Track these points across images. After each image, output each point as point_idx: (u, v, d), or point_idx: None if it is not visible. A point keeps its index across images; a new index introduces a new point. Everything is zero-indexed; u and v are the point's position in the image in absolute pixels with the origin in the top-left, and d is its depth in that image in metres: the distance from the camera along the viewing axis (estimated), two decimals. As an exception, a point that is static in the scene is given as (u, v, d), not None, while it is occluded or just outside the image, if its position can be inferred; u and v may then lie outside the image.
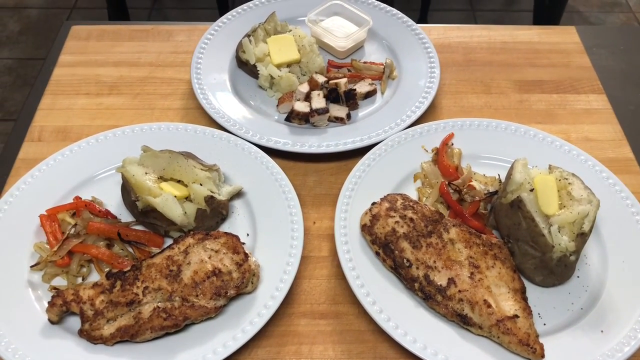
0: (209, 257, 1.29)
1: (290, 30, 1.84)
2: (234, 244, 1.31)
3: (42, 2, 5.60)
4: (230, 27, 1.91)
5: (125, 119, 1.71)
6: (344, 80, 1.72)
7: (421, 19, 4.65)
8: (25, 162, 1.60)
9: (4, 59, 5.26)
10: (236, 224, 1.45)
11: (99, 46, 1.93)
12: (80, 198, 1.46)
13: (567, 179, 1.37)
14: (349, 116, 1.68)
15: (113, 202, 1.49)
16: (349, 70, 1.83)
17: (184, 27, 2.00)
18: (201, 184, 1.41)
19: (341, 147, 1.58)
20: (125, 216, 1.46)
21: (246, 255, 1.30)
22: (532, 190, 1.34)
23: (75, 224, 1.40)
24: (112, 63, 1.87)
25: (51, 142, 1.65)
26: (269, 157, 1.54)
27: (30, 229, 1.41)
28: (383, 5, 1.98)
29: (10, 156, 1.63)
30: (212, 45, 1.85)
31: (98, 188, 1.51)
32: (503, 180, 1.49)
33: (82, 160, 1.54)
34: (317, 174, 1.60)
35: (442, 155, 1.55)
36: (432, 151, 1.58)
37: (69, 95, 1.78)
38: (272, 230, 1.41)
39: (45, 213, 1.43)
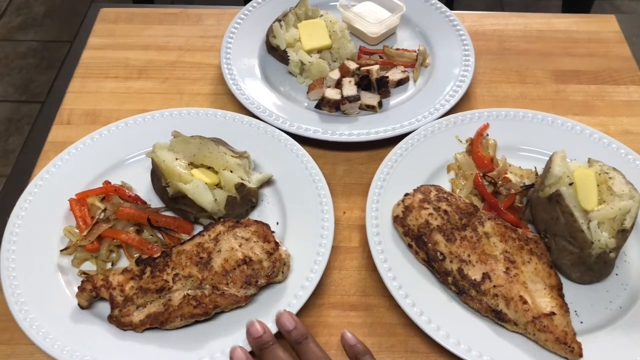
0: (240, 245, 1.27)
1: (322, 15, 1.80)
2: (265, 232, 1.29)
3: (67, -17, 5.54)
4: (260, 11, 1.88)
5: (154, 103, 1.70)
6: (376, 67, 1.68)
7: (447, 4, 4.57)
8: (54, 145, 1.60)
9: (29, 41, 5.29)
10: (266, 212, 1.43)
11: (127, 29, 1.91)
12: (110, 182, 1.45)
13: (607, 173, 1.33)
14: (380, 104, 1.65)
15: (142, 187, 1.48)
16: (380, 57, 1.79)
17: (213, 10, 1.97)
18: (231, 171, 1.39)
19: (372, 136, 1.55)
20: (154, 202, 1.45)
21: (277, 244, 1.28)
22: (571, 184, 1.30)
23: (105, 209, 1.39)
24: (141, 47, 1.86)
25: (80, 125, 1.65)
26: (299, 145, 1.52)
27: (59, 213, 1.40)
28: (416, -9, 1.93)
29: (39, 139, 1.62)
30: (241, 30, 1.82)
31: (127, 173, 1.50)
32: (540, 173, 1.45)
33: (111, 144, 1.53)
34: (347, 163, 1.57)
35: (476, 146, 1.51)
36: (466, 142, 1.55)
37: (98, 78, 1.77)
38: (302, 220, 1.39)
39: (75, 197, 1.42)
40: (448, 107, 1.61)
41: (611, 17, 1.96)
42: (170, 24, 1.93)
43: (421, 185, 1.41)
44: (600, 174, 1.32)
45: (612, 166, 1.36)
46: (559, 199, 1.28)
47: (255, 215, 1.43)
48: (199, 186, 1.34)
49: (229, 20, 1.87)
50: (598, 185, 1.31)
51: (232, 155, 1.41)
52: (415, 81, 1.73)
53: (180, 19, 1.95)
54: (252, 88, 1.68)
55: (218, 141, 1.45)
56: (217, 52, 1.79)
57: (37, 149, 1.59)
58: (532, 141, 1.55)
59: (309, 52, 1.71)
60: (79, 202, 1.41)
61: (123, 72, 1.79)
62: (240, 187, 1.37)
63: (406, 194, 1.39)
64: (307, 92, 1.69)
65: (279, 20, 1.76)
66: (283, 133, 1.55)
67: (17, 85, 4.89)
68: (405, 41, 1.85)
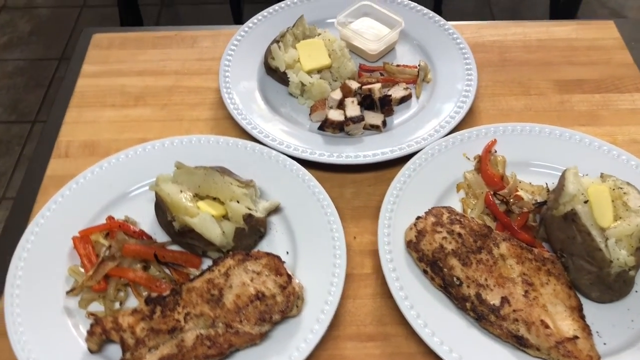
0: (251, 280, 1.24)
1: (320, 34, 1.77)
2: (276, 265, 1.26)
3: (52, 1, 5.57)
4: (256, 32, 1.85)
5: (154, 131, 1.66)
6: (378, 85, 1.65)
7: (435, 8, 4.59)
8: (53, 179, 1.56)
9: (16, 60, 5.23)
10: (275, 241, 1.40)
11: (121, 55, 1.87)
12: (114, 218, 1.41)
13: (621, 188, 1.31)
14: (384, 123, 1.62)
15: (147, 220, 1.44)
16: (381, 74, 1.76)
17: (207, 32, 1.94)
18: (238, 201, 1.36)
19: (379, 157, 1.52)
20: (159, 235, 1.41)
21: (289, 277, 1.25)
22: (586, 202, 1.27)
23: (110, 246, 1.35)
24: (136, 72, 1.82)
25: (79, 158, 1.61)
26: (304, 170, 1.49)
27: (63, 252, 1.36)
28: (414, 4, 1.91)
29: (37, 173, 1.58)
30: (238, 52, 1.79)
31: (130, 206, 1.46)
32: (551, 189, 1.43)
33: (112, 177, 1.49)
34: (354, 185, 1.54)
35: (485, 164, 1.49)
36: (475, 159, 1.52)
37: (95, 107, 1.73)
38: (312, 248, 1.36)
39: (78, 235, 1.38)
40: (454, 124, 1.58)
41: (610, 23, 1.94)
42: (165, 48, 1.89)
43: (433, 208, 1.38)
44: (614, 189, 1.30)
45: (625, 180, 1.34)
46: (575, 218, 1.26)
47: (264, 245, 1.40)
48: (206, 220, 1.31)
49: (225, 42, 1.83)
50: (613, 201, 1.29)
51: (238, 185, 1.38)
52: (417, 97, 1.71)
53: (175, 42, 1.91)
54: (253, 112, 1.64)
55: (223, 171, 1.41)
56: (215, 75, 1.76)
57: (37, 184, 1.55)
58: (541, 156, 1.53)
59: (309, 72, 1.68)
60: (83, 239, 1.37)
61: (120, 99, 1.75)
62: (248, 217, 1.34)
63: (418, 218, 1.36)
64: (310, 114, 1.66)
65: (277, 41, 1.73)
66: (288, 158, 1.52)
67: (6, 105, 4.82)
68: (405, 56, 1.82)
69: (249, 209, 1.36)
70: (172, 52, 1.88)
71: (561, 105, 1.72)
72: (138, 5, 4.18)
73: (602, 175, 1.35)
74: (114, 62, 1.85)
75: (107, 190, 1.48)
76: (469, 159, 1.52)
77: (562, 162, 1.48)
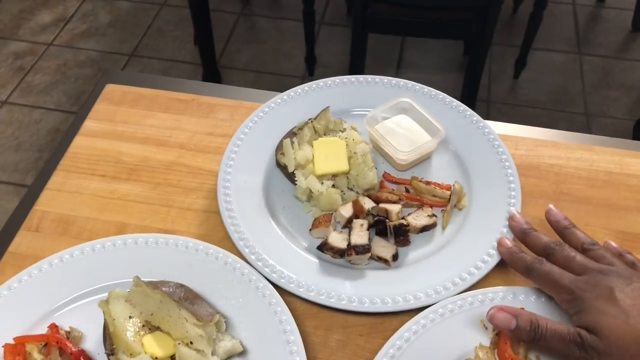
0: None
1: (345, 130, 1.53)
2: None
3: (135, -5, 5.56)
4: (278, 112, 1.63)
5: (136, 216, 1.47)
6: (397, 208, 1.39)
7: (521, 57, 4.29)
8: (14, 256, 1.39)
9: (90, 50, 5.29)
10: (228, 396, 1.18)
11: (129, 114, 1.70)
12: (56, 327, 1.23)
13: None
14: (395, 257, 1.36)
15: (97, 333, 1.24)
16: (407, 190, 1.50)
17: (228, 102, 1.73)
18: (191, 342, 1.14)
19: (378, 307, 1.26)
20: (104, 358, 1.21)
21: None
22: None
23: (41, 365, 1.17)
24: (139, 139, 1.64)
25: (48, 235, 1.43)
26: (284, 306, 1.25)
27: (-9, 361, 1.19)
28: (463, 107, 1.63)
29: (1, 245, 1.42)
30: (251, 135, 1.58)
31: (83, 312, 1.27)
32: (581, 394, 1.12)
33: (70, 273, 1.31)
34: (343, 330, 1.29)
35: (504, 342, 1.20)
36: (494, 331, 1.23)
37: (83, 174, 1.56)
38: (269, 416, 1.13)
39: (13, 341, 1.20)
40: (478, 276, 1.30)
41: (702, 164, 1.59)
42: (178, 113, 1.70)
43: (423, 397, 1.11)
44: None
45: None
46: None
47: (215, 398, 1.17)
48: (145, 365, 1.10)
49: (243, 117, 1.63)
50: None
51: (194, 323, 1.16)
52: (444, 227, 1.43)
53: (189, 108, 1.72)
54: (247, 214, 1.42)
55: (185, 296, 1.20)
56: (222, 157, 1.55)
57: (-6, 256, 1.40)
58: (578, 342, 1.22)
59: (322, 176, 1.44)
60: (16, 349, 1.19)
61: (112, 169, 1.57)
62: (197, 367, 1.12)
63: (402, 408, 1.10)
64: (311, 229, 1.42)
65: (293, 133, 1.50)
66: (269, 285, 1.29)
67: (70, 94, 4.88)
68: (441, 170, 1.54)
69: (203, 351, 1.14)
70: (184, 119, 1.69)
71: (619, 267, 1.39)
72: (209, 10, 4.09)
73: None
74: (119, 121, 1.68)
75: (62, 288, 1.29)
76: (486, 327, 1.24)
77: (604, 358, 1.17)
